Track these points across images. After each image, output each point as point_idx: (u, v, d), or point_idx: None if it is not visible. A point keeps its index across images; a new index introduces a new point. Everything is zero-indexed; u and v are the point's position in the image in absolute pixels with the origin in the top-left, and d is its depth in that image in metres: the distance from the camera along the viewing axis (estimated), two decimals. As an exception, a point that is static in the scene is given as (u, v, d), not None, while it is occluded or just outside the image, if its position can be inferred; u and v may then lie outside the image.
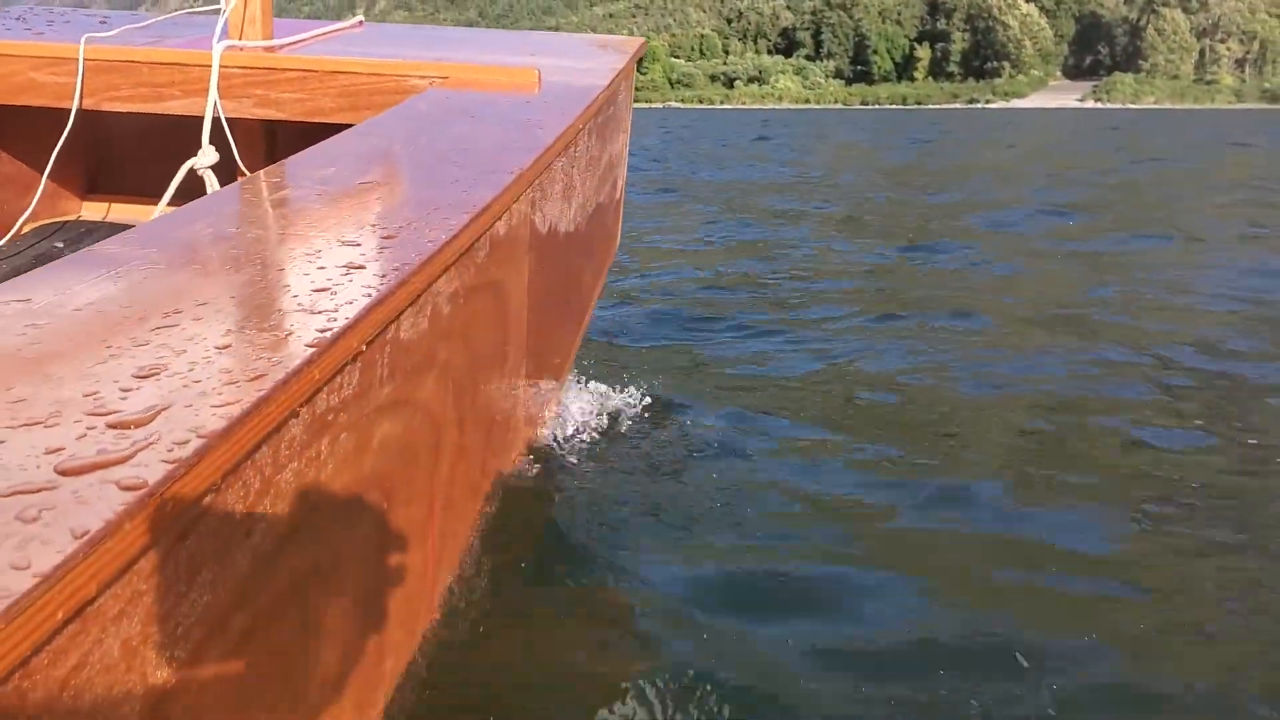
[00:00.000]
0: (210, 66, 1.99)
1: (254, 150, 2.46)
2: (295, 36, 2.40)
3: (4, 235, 2.35)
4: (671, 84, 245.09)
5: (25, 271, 2.10)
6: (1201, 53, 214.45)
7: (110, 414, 0.71)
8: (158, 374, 0.77)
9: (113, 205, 2.87)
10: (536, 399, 1.77)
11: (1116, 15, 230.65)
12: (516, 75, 1.89)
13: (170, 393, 0.74)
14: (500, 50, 2.42)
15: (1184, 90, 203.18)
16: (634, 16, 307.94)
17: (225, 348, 0.80)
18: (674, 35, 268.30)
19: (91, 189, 2.75)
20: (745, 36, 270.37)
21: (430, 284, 1.04)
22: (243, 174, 2.23)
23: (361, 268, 0.94)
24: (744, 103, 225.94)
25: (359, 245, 1.01)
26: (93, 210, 2.86)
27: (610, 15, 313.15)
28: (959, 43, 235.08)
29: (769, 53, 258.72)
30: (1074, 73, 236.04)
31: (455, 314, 1.21)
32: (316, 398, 0.83)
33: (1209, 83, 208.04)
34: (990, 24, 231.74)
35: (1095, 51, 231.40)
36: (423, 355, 1.13)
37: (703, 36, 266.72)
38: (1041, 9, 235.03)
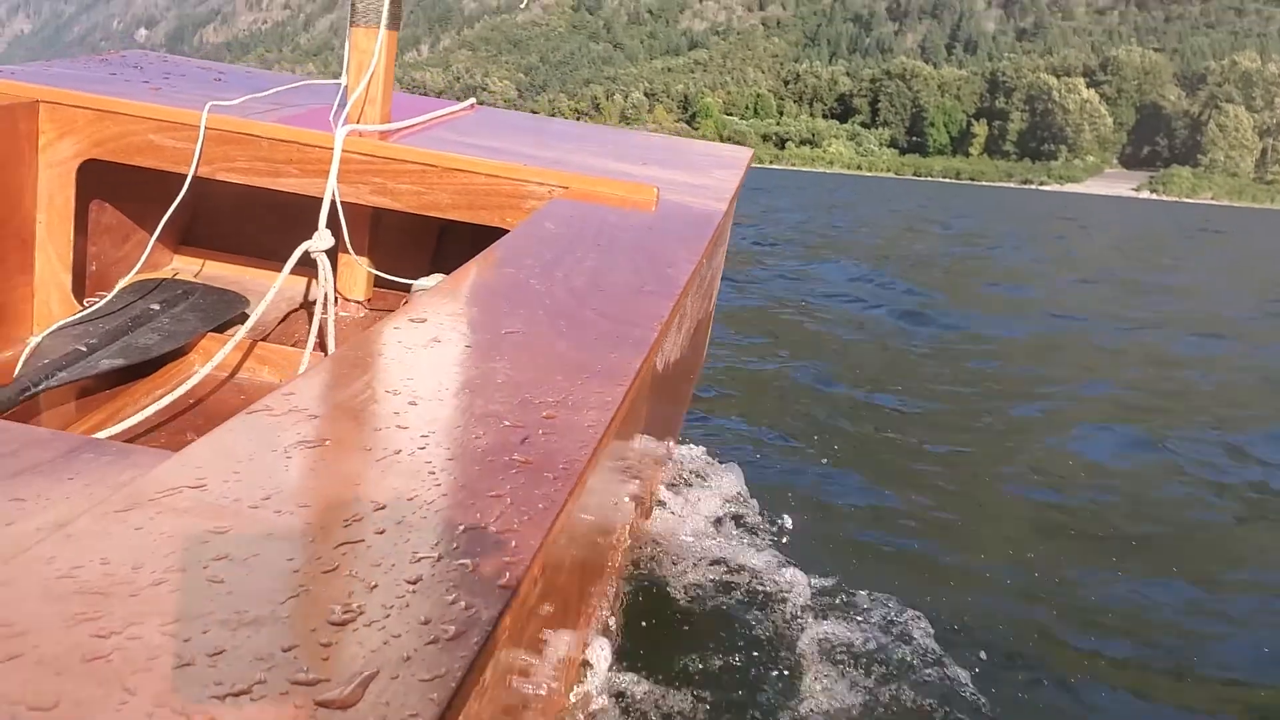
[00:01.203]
0: (331, 149, 2.03)
1: (361, 232, 2.46)
2: (412, 120, 2.40)
3: (100, 289, 2.36)
4: (722, 139, 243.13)
5: (124, 334, 2.15)
6: (1263, 151, 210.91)
7: (313, 684, 0.65)
8: (354, 620, 0.72)
9: (206, 262, 2.87)
10: (637, 517, 1.81)
11: (1178, 108, 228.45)
12: (635, 191, 1.94)
13: (374, 652, 0.69)
14: (610, 153, 2.42)
15: (1243, 188, 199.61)
16: (692, 71, 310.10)
17: (416, 582, 0.76)
18: (730, 93, 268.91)
19: (183, 241, 2.75)
20: (801, 99, 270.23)
21: (588, 478, 1.01)
22: (346, 250, 2.29)
23: (529, 462, 0.91)
24: (794, 164, 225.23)
25: (522, 428, 0.99)
26: (186, 263, 2.85)
27: (669, 69, 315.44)
28: (1017, 122, 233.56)
29: (824, 117, 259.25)
30: (1131, 161, 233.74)
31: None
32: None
33: (1269, 182, 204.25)
34: (1050, 106, 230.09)
35: (1154, 142, 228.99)
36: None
37: (758, 96, 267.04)
38: (1102, 96, 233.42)
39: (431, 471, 0.87)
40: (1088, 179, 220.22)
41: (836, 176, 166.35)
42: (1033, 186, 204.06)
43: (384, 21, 2.24)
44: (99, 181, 2.23)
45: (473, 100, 2.95)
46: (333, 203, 2.02)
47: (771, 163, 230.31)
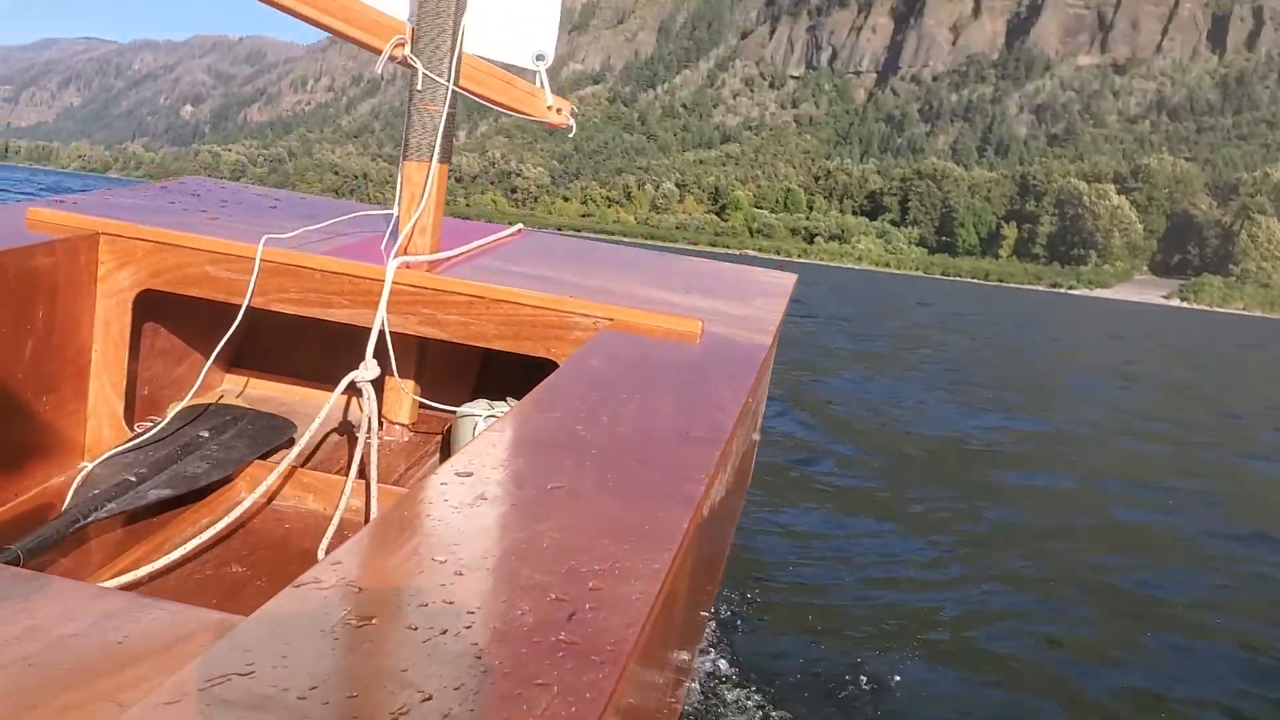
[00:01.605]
0: (381, 281, 2.07)
1: (407, 359, 2.49)
2: (460, 248, 2.44)
3: (151, 412, 2.41)
4: (751, 232, 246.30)
5: (173, 462, 2.19)
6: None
7: None
8: None
9: (254, 382, 2.90)
10: (680, 685, 1.77)
11: (1209, 217, 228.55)
12: (680, 324, 1.95)
13: None
14: (655, 280, 2.42)
15: (1275, 299, 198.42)
16: (723, 164, 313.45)
17: None
18: (760, 186, 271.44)
19: (233, 362, 2.79)
20: (831, 195, 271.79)
21: (635, 661, 1.01)
22: (392, 375, 2.32)
23: (575, 644, 0.91)
24: (822, 259, 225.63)
25: (568, 602, 1.00)
26: (234, 384, 2.88)
27: (700, 161, 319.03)
28: (1046, 225, 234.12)
29: (854, 213, 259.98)
30: (1161, 268, 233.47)
31: None
32: None
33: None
34: (1080, 211, 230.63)
35: (1185, 250, 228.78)
36: None
37: (789, 190, 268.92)
38: (1133, 202, 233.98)
39: (478, 656, 0.88)
40: (1117, 284, 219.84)
41: (865, 273, 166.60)
42: (1062, 290, 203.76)
43: (436, 156, 2.28)
44: (154, 307, 2.27)
45: (519, 226, 2.98)
46: (381, 332, 2.06)
47: (800, 257, 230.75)
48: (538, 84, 2.48)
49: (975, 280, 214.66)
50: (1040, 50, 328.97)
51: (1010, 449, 8.76)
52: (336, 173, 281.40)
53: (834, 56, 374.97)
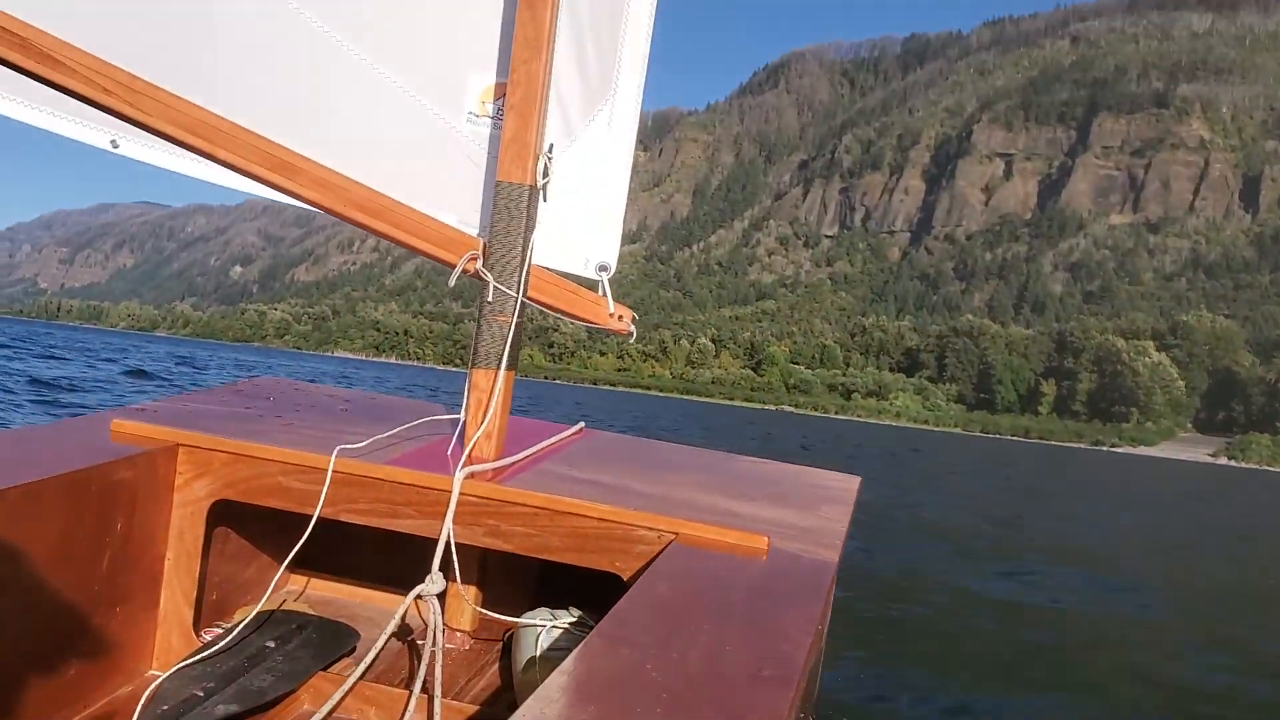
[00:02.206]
0: (448, 493, 2.10)
1: (470, 568, 2.52)
2: (524, 452, 2.47)
3: (219, 617, 2.44)
4: (788, 388, 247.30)
5: (240, 674, 2.24)
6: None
7: None
8: None
9: (312, 581, 2.89)
10: None
11: (1252, 374, 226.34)
12: (746, 539, 1.96)
13: None
14: (719, 485, 2.45)
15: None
16: (759, 321, 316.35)
17: None
18: (796, 342, 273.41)
19: (299, 564, 2.76)
20: (868, 352, 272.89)
21: None
22: (454, 581, 2.32)
23: None
24: (860, 415, 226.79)
25: None
26: (299, 586, 2.88)
27: (736, 317, 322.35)
28: (1086, 382, 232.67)
29: (891, 370, 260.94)
30: (1205, 426, 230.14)
31: None
32: None
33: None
34: (1119, 368, 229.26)
35: (1229, 407, 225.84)
36: None
37: (825, 346, 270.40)
38: (1173, 359, 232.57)
39: None
40: (1161, 442, 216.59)
41: (903, 430, 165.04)
42: (1104, 448, 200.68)
43: (504, 364, 2.33)
44: (226, 513, 2.31)
45: (581, 425, 3.03)
46: (447, 545, 2.10)
47: (837, 413, 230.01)
48: (600, 293, 2.52)
49: (1015, 437, 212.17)
50: (1072, 210, 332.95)
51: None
52: (378, 329, 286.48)
53: (867, 216, 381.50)
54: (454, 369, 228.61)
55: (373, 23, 2.35)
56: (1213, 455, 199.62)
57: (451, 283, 2.25)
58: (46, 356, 29.27)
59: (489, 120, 2.44)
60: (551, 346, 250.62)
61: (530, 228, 2.29)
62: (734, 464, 2.80)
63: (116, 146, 2.34)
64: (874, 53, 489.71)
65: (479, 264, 2.31)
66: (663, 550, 2.01)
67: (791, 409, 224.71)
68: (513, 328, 2.33)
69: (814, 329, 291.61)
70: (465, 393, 2.37)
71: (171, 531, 2.22)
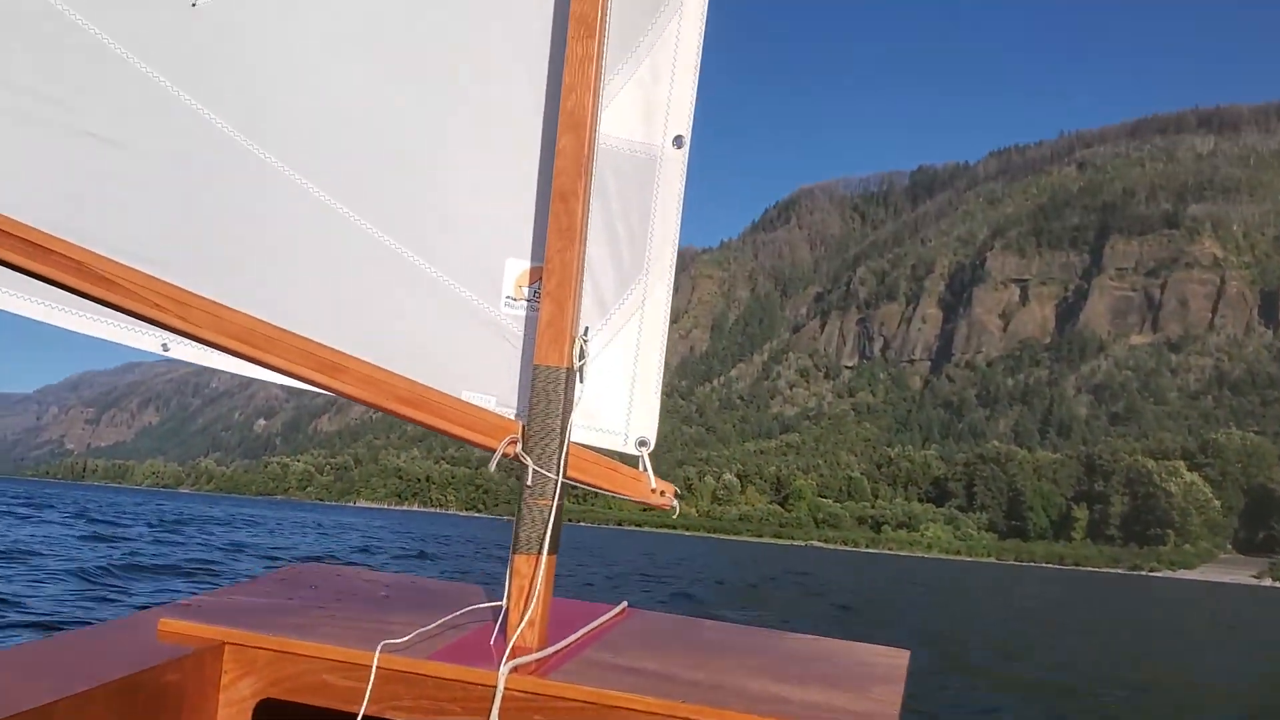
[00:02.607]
0: (493, 688, 2.13)
1: None
2: (568, 639, 2.47)
3: None
4: (817, 523, 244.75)
5: None
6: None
7: None
8: None
9: None
10: None
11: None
12: None
13: None
14: (764, 665, 2.48)
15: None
16: (784, 454, 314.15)
17: None
18: (823, 475, 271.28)
19: None
20: (895, 482, 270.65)
21: None
22: None
23: None
24: (891, 547, 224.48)
25: None
26: None
27: (761, 451, 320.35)
28: (1118, 505, 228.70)
29: (919, 500, 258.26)
30: (1245, 546, 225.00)
31: None
32: None
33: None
34: (1151, 489, 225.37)
35: (1268, 526, 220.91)
36: None
37: (851, 478, 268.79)
38: (1206, 479, 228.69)
39: None
40: (1201, 565, 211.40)
41: (936, 561, 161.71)
42: (1143, 573, 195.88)
43: (545, 549, 2.36)
44: (270, 712, 2.34)
45: (624, 604, 3.01)
46: None
47: (868, 546, 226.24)
48: (641, 468, 2.52)
49: (1050, 564, 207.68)
50: (1091, 332, 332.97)
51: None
52: (400, 476, 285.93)
53: (886, 346, 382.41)
54: (476, 514, 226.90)
55: (413, 218, 2.46)
56: (1256, 577, 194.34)
57: (492, 467, 2.31)
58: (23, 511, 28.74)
59: (525, 303, 2.51)
60: (575, 488, 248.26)
61: (568, 410, 2.34)
62: (781, 642, 2.85)
63: (167, 350, 2.43)
64: (883, 186, 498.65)
65: (518, 447, 2.34)
66: None
67: (821, 544, 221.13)
68: (554, 511, 2.36)
69: (840, 461, 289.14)
70: (507, 579, 2.40)
71: None
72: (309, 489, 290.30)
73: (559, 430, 2.34)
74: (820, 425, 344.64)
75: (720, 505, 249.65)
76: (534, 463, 2.33)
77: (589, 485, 2.45)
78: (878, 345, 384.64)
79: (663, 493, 2.51)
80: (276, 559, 19.93)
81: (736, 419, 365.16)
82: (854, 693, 2.38)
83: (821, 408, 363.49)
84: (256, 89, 2.43)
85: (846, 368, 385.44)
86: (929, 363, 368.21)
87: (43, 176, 2.22)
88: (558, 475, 2.34)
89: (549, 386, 2.35)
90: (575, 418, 2.38)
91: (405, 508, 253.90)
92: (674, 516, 2.55)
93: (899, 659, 2.77)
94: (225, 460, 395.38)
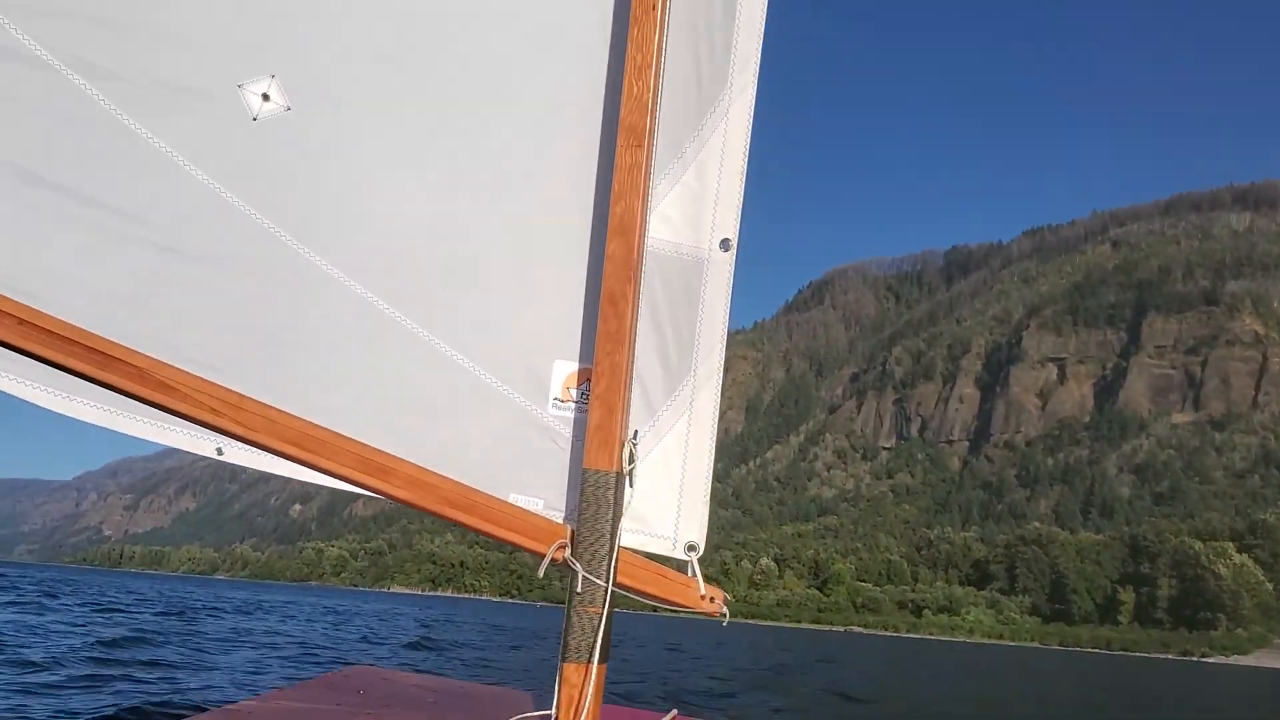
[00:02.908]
0: None
1: None
2: None
3: None
4: (856, 607, 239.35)
5: None
6: None
7: None
8: None
9: None
10: None
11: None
12: None
13: None
14: None
15: None
16: (822, 537, 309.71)
17: None
18: (861, 559, 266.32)
19: None
20: (935, 565, 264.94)
21: None
22: None
23: None
24: (932, 632, 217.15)
25: None
26: None
27: (799, 535, 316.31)
28: (1165, 588, 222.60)
29: (960, 583, 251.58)
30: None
31: None
32: None
33: None
34: (1199, 572, 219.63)
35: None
36: None
37: (890, 562, 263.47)
38: (1256, 560, 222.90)
39: None
40: (1255, 650, 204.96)
41: (978, 646, 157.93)
42: (1194, 659, 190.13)
43: (596, 658, 2.30)
44: None
45: (674, 710, 2.97)
46: None
47: (908, 631, 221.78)
48: (690, 573, 2.49)
49: (1096, 649, 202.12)
50: (1131, 411, 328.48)
51: None
52: (434, 562, 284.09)
53: (923, 427, 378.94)
54: (510, 600, 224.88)
55: (462, 321, 2.44)
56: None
57: (541, 573, 2.27)
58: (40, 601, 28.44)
59: (573, 405, 2.49)
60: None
61: (618, 515, 2.31)
62: None
63: (221, 454, 2.45)
64: (916, 266, 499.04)
65: (567, 552, 2.31)
66: None
67: (861, 629, 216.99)
68: (604, 619, 2.31)
69: (878, 544, 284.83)
70: (556, 687, 2.34)
71: None
72: (343, 575, 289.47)
73: (608, 536, 2.30)
74: (858, 507, 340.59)
75: (758, 590, 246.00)
76: (583, 569, 2.29)
77: (637, 593, 2.41)
78: (915, 425, 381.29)
79: (712, 599, 2.47)
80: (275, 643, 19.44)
81: (773, 501, 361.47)
82: None
83: (859, 489, 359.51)
84: (312, 198, 2.44)
85: (884, 448, 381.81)
86: (967, 443, 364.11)
87: (105, 283, 2.24)
88: (608, 583, 2.30)
89: (599, 491, 2.32)
90: (624, 522, 2.35)
91: (439, 593, 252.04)
92: (724, 625, 2.49)
93: None
94: (261, 545, 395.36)
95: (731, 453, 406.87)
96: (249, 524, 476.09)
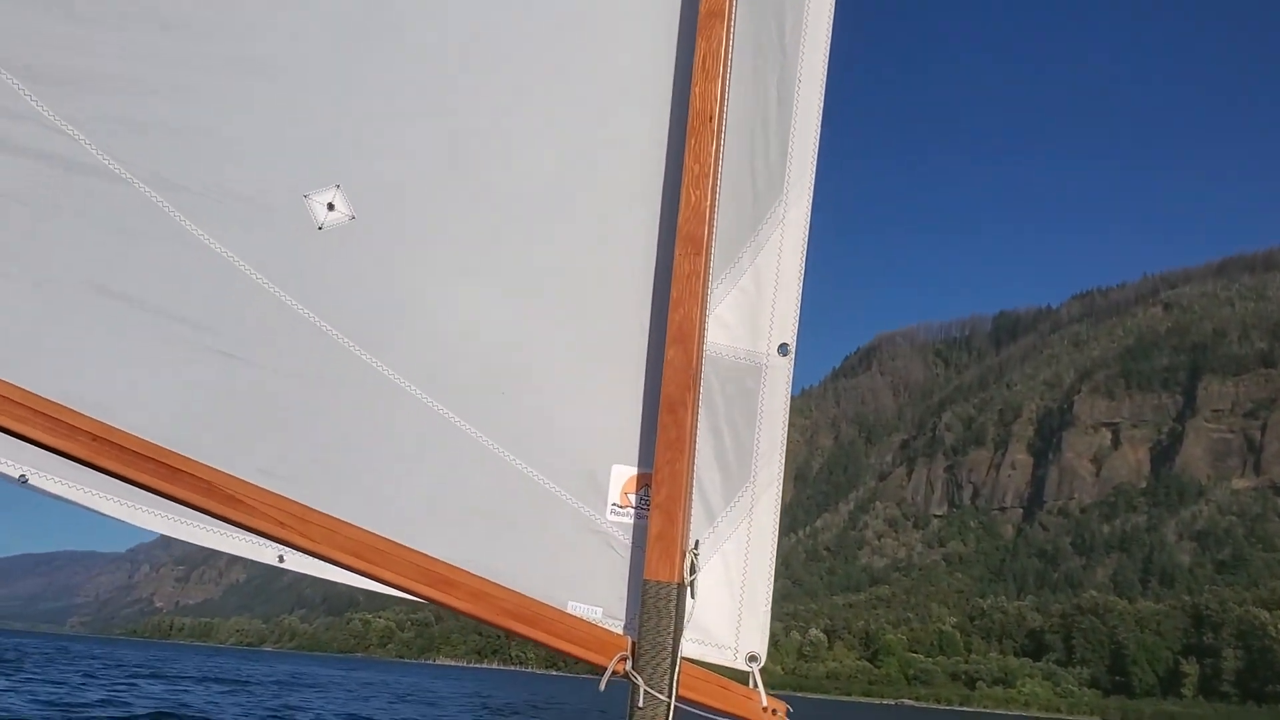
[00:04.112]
0: None
1: None
2: None
3: None
4: (908, 679, 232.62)
5: None
6: None
7: None
8: None
9: None
10: None
11: None
12: None
13: None
14: None
15: None
16: (875, 608, 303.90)
17: None
18: (913, 629, 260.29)
19: None
20: (989, 636, 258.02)
21: None
22: None
23: None
24: (986, 706, 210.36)
25: None
26: None
27: (850, 605, 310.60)
28: (1231, 660, 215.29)
29: (1015, 654, 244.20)
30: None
31: None
32: None
33: None
34: (1266, 643, 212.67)
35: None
36: None
37: (942, 632, 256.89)
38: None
39: None
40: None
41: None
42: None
43: None
44: None
45: None
46: None
47: (962, 704, 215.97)
48: (751, 684, 2.46)
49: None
50: (1190, 476, 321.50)
51: None
52: (480, 634, 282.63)
53: (975, 494, 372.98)
54: (554, 673, 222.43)
55: (521, 427, 2.46)
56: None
57: (602, 687, 2.27)
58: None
59: (631, 511, 2.49)
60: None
61: (680, 627, 2.29)
62: None
63: (282, 561, 2.53)
64: (964, 331, 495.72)
65: (628, 665, 2.30)
66: None
67: (913, 703, 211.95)
68: None
69: (931, 614, 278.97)
70: None
71: None
72: (389, 646, 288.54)
73: (670, 649, 2.28)
74: (910, 576, 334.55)
75: (807, 662, 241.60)
76: (645, 683, 2.27)
77: (699, 706, 2.38)
78: (967, 493, 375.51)
79: (775, 711, 2.43)
80: None
81: (824, 571, 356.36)
82: None
83: (911, 558, 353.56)
84: (376, 305, 2.47)
85: (936, 516, 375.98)
86: (1021, 510, 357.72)
87: (175, 394, 2.26)
88: (670, 698, 2.27)
89: (660, 603, 2.30)
90: (685, 632, 2.33)
91: (485, 665, 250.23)
92: None
93: None
94: (309, 617, 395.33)
95: (780, 522, 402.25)
96: (298, 595, 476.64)
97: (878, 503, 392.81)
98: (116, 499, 2.32)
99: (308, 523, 2.01)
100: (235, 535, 2.40)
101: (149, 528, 2.40)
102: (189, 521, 2.39)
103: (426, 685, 63.45)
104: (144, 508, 2.34)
